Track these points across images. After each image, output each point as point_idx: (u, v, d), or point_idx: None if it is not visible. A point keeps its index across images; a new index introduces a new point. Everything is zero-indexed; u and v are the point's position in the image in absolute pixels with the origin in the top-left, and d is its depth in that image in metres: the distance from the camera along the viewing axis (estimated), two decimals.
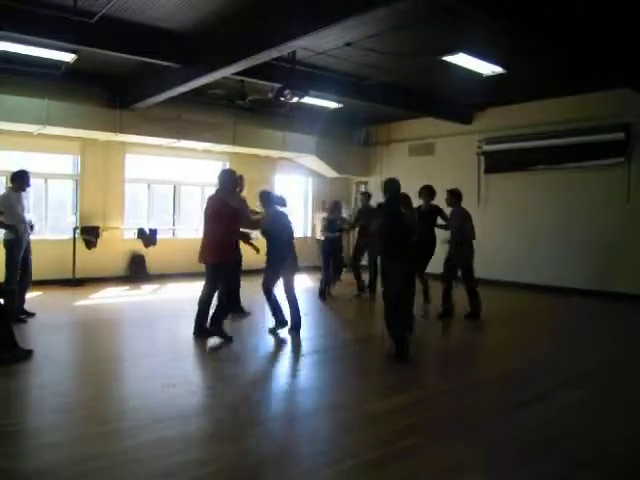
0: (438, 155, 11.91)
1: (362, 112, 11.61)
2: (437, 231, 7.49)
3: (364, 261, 9.31)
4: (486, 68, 7.84)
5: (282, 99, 7.52)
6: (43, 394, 4.04)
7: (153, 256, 10.44)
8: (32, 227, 6.82)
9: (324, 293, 8.69)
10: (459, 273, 7.21)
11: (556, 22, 5.76)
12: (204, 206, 5.98)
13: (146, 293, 9.22)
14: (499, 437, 3.41)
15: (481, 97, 10.19)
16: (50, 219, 9.89)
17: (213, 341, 5.63)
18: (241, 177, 7.08)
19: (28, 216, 6.89)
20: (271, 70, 7.64)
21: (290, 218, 6.43)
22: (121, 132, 9.51)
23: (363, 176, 13.53)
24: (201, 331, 5.77)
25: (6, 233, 6.41)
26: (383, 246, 5.36)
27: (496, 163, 10.75)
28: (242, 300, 6.96)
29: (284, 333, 6.13)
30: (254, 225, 6.27)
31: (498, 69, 7.87)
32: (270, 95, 7.97)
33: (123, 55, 7.02)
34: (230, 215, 5.67)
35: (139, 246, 10.30)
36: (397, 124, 12.78)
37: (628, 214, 9.00)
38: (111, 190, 10.25)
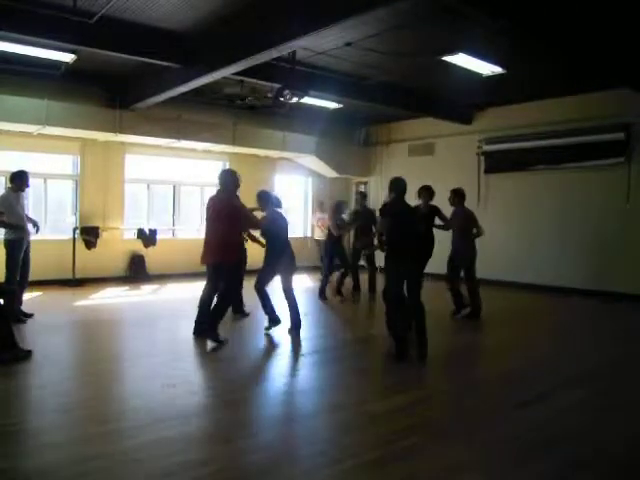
0: (438, 155, 11.91)
1: (362, 112, 11.61)
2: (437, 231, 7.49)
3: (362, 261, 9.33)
4: (486, 68, 7.84)
5: (282, 99, 7.52)
6: (43, 394, 4.04)
7: (153, 256, 10.44)
8: (37, 228, 6.84)
9: (324, 293, 8.69)
10: (461, 273, 7.23)
11: (556, 22, 5.76)
12: (205, 207, 5.97)
13: (146, 293, 9.22)
14: (499, 437, 3.41)
15: (481, 97, 10.19)
16: (50, 219, 9.89)
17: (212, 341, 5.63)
18: None
19: (39, 211, 6.93)
20: (271, 70, 7.64)
21: (286, 218, 6.43)
22: (121, 132, 9.51)
23: (363, 176, 13.53)
24: (201, 331, 5.77)
25: (8, 233, 6.41)
26: (386, 246, 5.36)
27: (496, 163, 10.76)
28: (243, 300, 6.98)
29: (284, 333, 6.13)
30: (255, 225, 6.25)
31: (498, 69, 7.87)
32: (270, 95, 7.97)
33: (123, 55, 7.01)
34: (232, 215, 5.65)
35: (139, 246, 10.30)
36: (397, 124, 12.78)
37: (628, 214, 9.00)
38: (111, 190, 10.25)
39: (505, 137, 10.59)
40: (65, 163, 10.07)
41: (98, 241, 9.80)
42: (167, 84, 8.17)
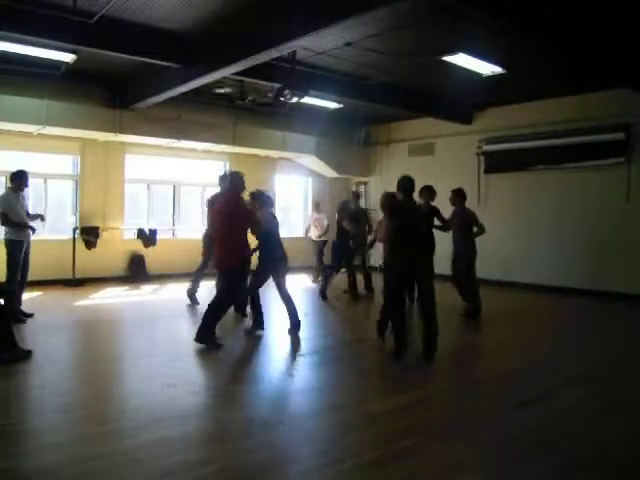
0: (438, 155, 11.91)
1: (362, 112, 11.61)
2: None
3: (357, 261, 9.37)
4: (486, 68, 7.84)
5: (282, 99, 7.52)
6: (43, 394, 4.04)
7: (153, 256, 10.44)
8: (43, 219, 6.92)
9: (325, 292, 8.67)
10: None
11: (556, 22, 5.76)
12: (208, 210, 5.89)
13: (146, 293, 9.22)
14: (499, 437, 3.41)
15: (481, 97, 10.19)
16: (50, 219, 9.85)
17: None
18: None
19: (39, 211, 6.99)
20: (271, 70, 7.64)
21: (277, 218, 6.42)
22: (121, 132, 9.51)
23: (363, 176, 13.53)
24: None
25: (9, 232, 6.43)
26: (391, 245, 5.38)
27: (496, 163, 10.76)
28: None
29: (284, 333, 6.13)
30: (259, 229, 6.08)
31: (498, 69, 7.87)
32: (270, 95, 7.97)
33: (123, 55, 7.02)
34: (242, 219, 5.59)
35: (139, 246, 10.30)
36: (397, 124, 12.78)
37: (628, 214, 9.00)
38: (111, 190, 10.25)
39: (505, 137, 10.60)
40: (65, 163, 10.07)
41: (98, 241, 9.80)
42: (167, 84, 8.17)
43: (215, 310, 5.58)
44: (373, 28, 6.51)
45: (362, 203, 11.41)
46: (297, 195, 13.64)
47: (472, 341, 6.42)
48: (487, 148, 10.91)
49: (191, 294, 7.80)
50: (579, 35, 6.09)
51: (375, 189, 13.12)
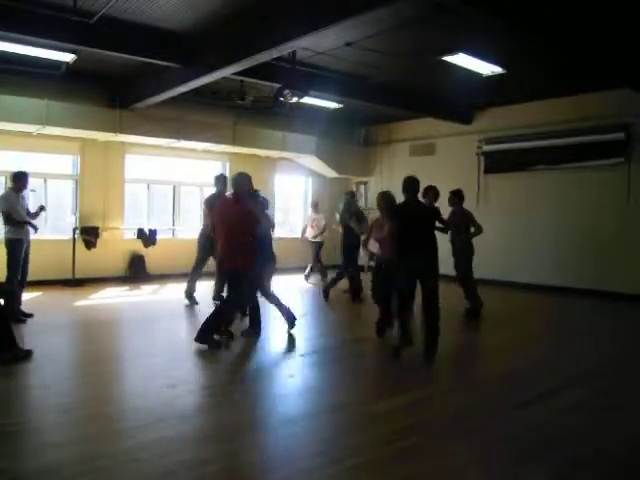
0: (438, 155, 11.91)
1: (362, 112, 11.61)
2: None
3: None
4: (486, 68, 7.84)
5: (282, 99, 7.52)
6: (43, 394, 4.04)
7: (153, 256, 10.44)
8: (43, 208, 6.89)
9: (328, 292, 8.64)
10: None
11: (556, 22, 5.76)
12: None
13: (146, 293, 9.22)
14: (499, 437, 3.41)
15: (481, 97, 10.19)
16: (50, 219, 9.87)
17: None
18: (224, 177, 7.74)
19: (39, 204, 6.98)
20: (271, 70, 7.64)
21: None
22: (121, 132, 9.51)
23: (363, 176, 13.53)
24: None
25: (10, 232, 6.44)
26: (397, 246, 5.40)
27: (496, 163, 10.76)
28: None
29: (284, 333, 6.13)
30: (259, 227, 6.03)
31: (498, 69, 7.87)
32: (270, 95, 7.97)
33: (123, 55, 7.02)
34: (248, 220, 5.55)
35: (139, 246, 10.30)
36: (397, 124, 12.78)
37: (628, 214, 9.00)
38: (111, 190, 10.25)
39: (505, 137, 10.60)
40: (65, 163, 10.07)
41: (98, 241, 9.80)
42: (167, 84, 8.18)
43: (218, 311, 5.59)
44: (373, 28, 6.52)
45: (361, 203, 11.41)
46: (297, 195, 13.64)
47: (472, 341, 6.43)
48: (487, 148, 10.91)
49: (189, 294, 7.80)
50: (579, 35, 6.09)
51: (375, 189, 13.08)
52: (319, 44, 7.10)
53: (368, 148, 13.44)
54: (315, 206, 10.85)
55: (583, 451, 3.24)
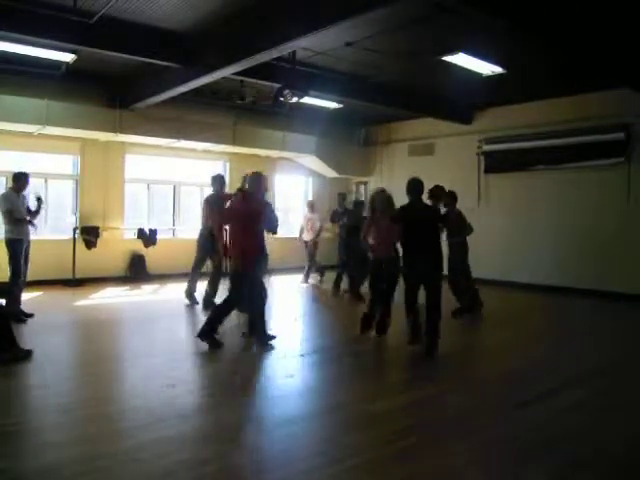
0: (438, 155, 11.91)
1: (362, 112, 11.60)
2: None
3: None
4: (486, 68, 7.84)
5: (282, 99, 7.52)
6: (43, 394, 4.04)
7: (153, 256, 10.44)
8: (40, 199, 6.84)
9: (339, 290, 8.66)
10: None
11: (556, 22, 5.76)
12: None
13: (146, 293, 9.22)
14: (499, 437, 3.41)
15: (481, 97, 10.19)
16: (50, 219, 9.88)
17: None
18: (221, 177, 7.84)
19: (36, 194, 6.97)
20: (271, 70, 7.64)
21: None
22: (121, 132, 9.51)
23: (363, 176, 13.53)
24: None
25: (11, 232, 6.45)
26: (404, 249, 5.44)
27: (496, 163, 10.76)
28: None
29: (282, 333, 6.12)
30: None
31: (498, 69, 7.87)
32: (270, 95, 7.97)
33: (123, 55, 7.02)
34: (259, 217, 5.54)
35: (139, 246, 10.30)
36: (397, 124, 12.78)
37: (628, 214, 9.00)
38: (111, 190, 10.25)
39: (505, 137, 10.59)
40: (65, 163, 10.07)
41: (98, 241, 9.80)
42: (167, 84, 8.18)
43: (220, 309, 5.59)
44: (373, 28, 6.51)
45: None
46: (297, 195, 13.63)
47: (472, 341, 6.42)
48: (487, 148, 10.91)
49: (189, 294, 7.80)
50: (579, 35, 6.09)
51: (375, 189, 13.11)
52: (319, 44, 7.09)
53: (368, 148, 13.44)
54: (311, 206, 10.83)
55: (583, 451, 3.24)
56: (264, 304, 5.69)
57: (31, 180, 6.89)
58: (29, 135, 9.16)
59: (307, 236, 10.49)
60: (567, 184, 9.78)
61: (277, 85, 7.67)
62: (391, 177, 12.42)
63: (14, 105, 8.35)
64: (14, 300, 6.38)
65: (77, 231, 9.69)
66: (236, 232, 5.56)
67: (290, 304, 8.62)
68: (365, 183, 13.61)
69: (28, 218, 6.62)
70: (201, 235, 7.72)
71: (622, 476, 3.03)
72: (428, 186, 7.57)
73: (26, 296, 7.02)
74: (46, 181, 9.73)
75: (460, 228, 7.18)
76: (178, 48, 7.20)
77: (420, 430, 3.50)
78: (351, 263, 8.93)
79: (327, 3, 5.52)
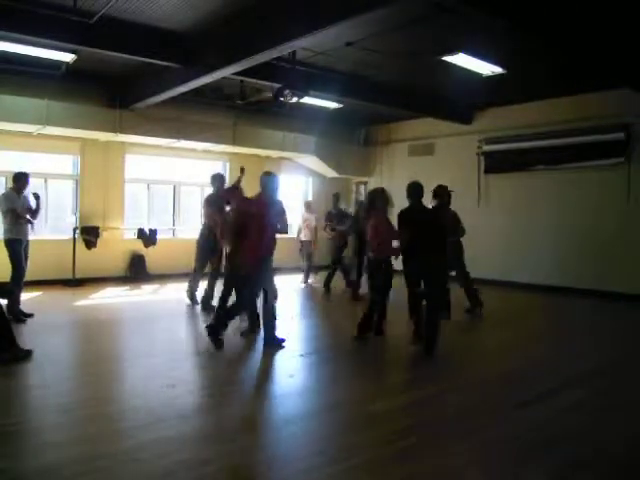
0: (438, 155, 11.91)
1: (362, 112, 11.60)
2: None
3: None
4: (486, 68, 7.84)
5: (282, 99, 7.51)
6: (43, 394, 4.04)
7: (153, 256, 10.44)
8: (38, 197, 6.79)
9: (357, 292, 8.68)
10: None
11: (556, 22, 5.76)
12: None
13: (146, 293, 9.22)
14: (499, 437, 3.41)
15: (481, 97, 10.19)
16: (50, 219, 9.88)
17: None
18: (221, 176, 7.90)
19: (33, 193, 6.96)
20: (271, 70, 7.64)
21: None
22: (121, 132, 9.51)
23: (363, 176, 13.53)
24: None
25: (10, 231, 6.46)
26: (407, 252, 5.45)
27: (496, 163, 10.76)
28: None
29: (283, 332, 6.12)
30: None
31: (498, 69, 7.87)
32: (270, 95, 7.97)
33: (123, 55, 7.02)
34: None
35: (139, 246, 10.30)
36: (397, 124, 12.78)
37: (628, 214, 9.00)
38: (111, 190, 10.25)
39: (505, 137, 10.60)
40: (65, 163, 10.07)
41: (98, 241, 9.80)
42: (167, 84, 8.18)
43: (231, 309, 5.60)
44: (373, 28, 6.51)
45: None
46: (297, 195, 13.62)
47: (472, 341, 6.42)
48: (487, 148, 10.91)
49: (191, 294, 7.80)
50: (579, 35, 6.09)
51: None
52: (319, 44, 7.09)
53: (368, 148, 13.44)
54: (308, 206, 10.81)
55: (583, 451, 3.24)
56: (273, 306, 5.69)
57: (31, 180, 6.89)
58: (29, 135, 9.16)
59: (304, 236, 10.47)
60: (567, 184, 9.78)
61: (277, 85, 7.66)
62: (391, 177, 12.42)
63: (14, 105, 8.35)
64: (15, 300, 6.39)
65: (77, 231, 9.69)
66: (250, 232, 5.43)
67: (290, 304, 8.61)
68: (365, 183, 13.61)
69: (29, 217, 6.63)
70: (201, 235, 7.70)
71: (622, 476, 3.03)
72: (428, 186, 7.64)
73: (26, 296, 7.03)
74: (46, 181, 9.73)
75: (455, 228, 7.20)
76: (178, 48, 7.20)
77: (420, 430, 3.50)
78: (345, 262, 9.03)
79: (327, 3, 5.52)
